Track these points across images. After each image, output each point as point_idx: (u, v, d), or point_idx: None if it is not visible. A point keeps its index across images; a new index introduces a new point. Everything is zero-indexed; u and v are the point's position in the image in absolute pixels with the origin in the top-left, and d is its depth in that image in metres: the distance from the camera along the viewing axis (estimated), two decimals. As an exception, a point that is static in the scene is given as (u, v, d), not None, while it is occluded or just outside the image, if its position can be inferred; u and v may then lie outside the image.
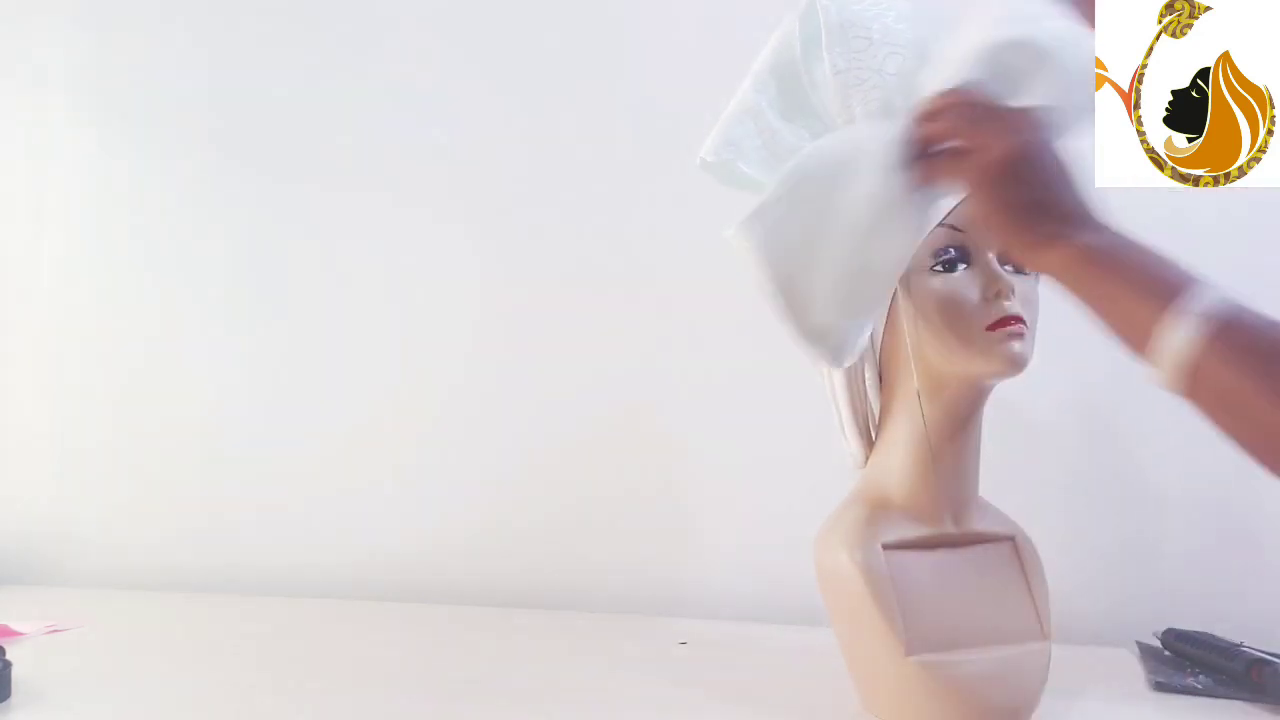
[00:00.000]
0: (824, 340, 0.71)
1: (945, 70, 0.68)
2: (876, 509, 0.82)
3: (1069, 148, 0.64)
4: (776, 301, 0.69)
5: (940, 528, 0.82)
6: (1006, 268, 0.77)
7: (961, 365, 0.76)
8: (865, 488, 0.85)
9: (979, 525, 0.84)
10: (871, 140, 0.68)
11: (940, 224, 0.74)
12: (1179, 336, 0.54)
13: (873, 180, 0.66)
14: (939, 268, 0.75)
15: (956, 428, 0.81)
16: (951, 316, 0.75)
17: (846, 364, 0.74)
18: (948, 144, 0.65)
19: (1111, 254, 0.59)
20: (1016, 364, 0.74)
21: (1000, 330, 0.74)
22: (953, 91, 0.66)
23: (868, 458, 0.86)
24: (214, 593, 1.27)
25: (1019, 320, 0.74)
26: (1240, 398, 0.53)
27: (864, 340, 0.74)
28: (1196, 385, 0.55)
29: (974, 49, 0.66)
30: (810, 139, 0.76)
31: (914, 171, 0.67)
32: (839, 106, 0.75)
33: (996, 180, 0.62)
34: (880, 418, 0.84)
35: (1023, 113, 0.64)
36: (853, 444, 0.86)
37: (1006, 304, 0.74)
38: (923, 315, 0.76)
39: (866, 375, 0.83)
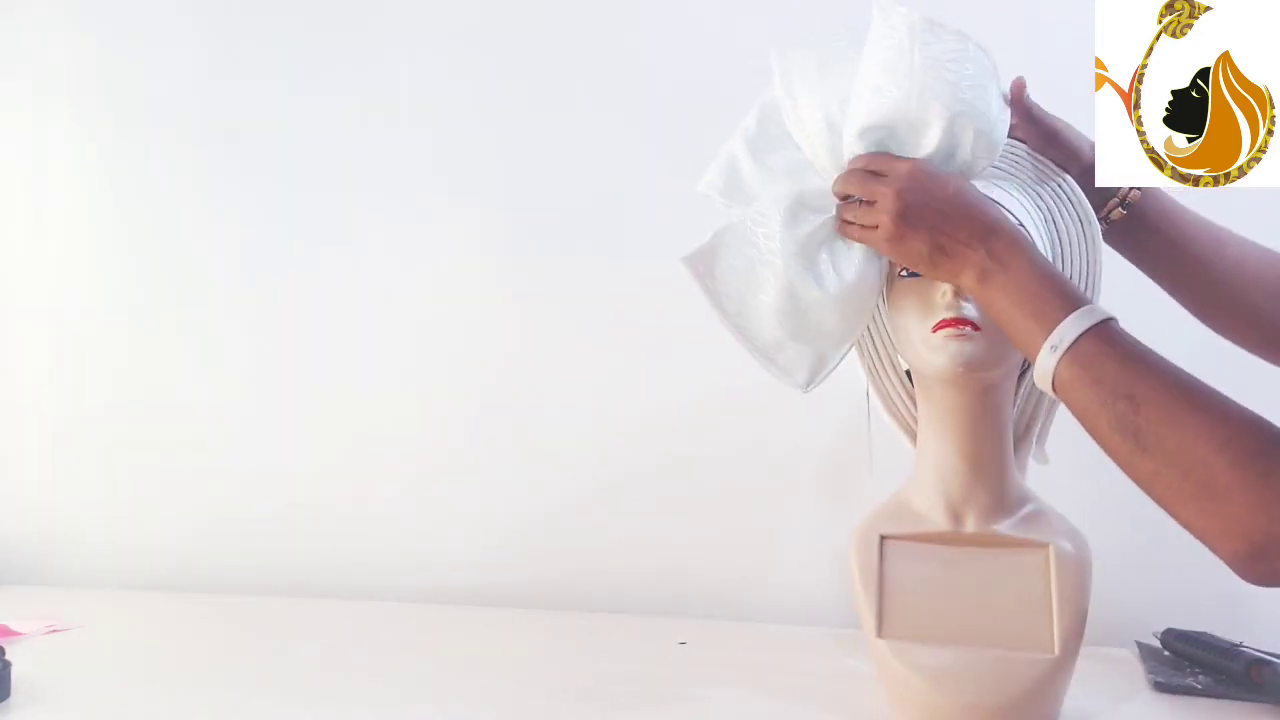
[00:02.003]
0: (774, 359, 0.80)
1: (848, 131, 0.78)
2: (897, 505, 0.87)
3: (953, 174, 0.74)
4: (726, 323, 0.80)
5: (941, 525, 0.85)
6: None
7: (923, 366, 0.81)
8: (904, 484, 0.89)
9: (1005, 528, 0.84)
10: (784, 198, 0.80)
11: None
12: (1045, 363, 0.66)
13: (784, 232, 0.78)
14: (904, 273, 0.80)
15: (954, 426, 0.83)
16: (908, 318, 0.81)
17: (807, 386, 0.81)
18: (850, 203, 0.78)
19: (1000, 280, 0.70)
20: (958, 362, 0.78)
21: (941, 331, 0.78)
22: (851, 161, 0.78)
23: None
24: (214, 593, 1.27)
25: (964, 322, 0.77)
26: (1088, 418, 0.64)
27: (830, 365, 0.81)
28: (1062, 398, 0.66)
29: (861, 118, 0.76)
30: (790, 166, 0.85)
31: (838, 226, 0.79)
32: (801, 134, 0.82)
33: (895, 248, 0.74)
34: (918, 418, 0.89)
35: (905, 169, 0.74)
36: (905, 444, 0.91)
37: (956, 304, 0.78)
38: (891, 317, 0.83)
39: (894, 378, 0.88)
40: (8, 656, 0.87)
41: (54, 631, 1.08)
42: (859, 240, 0.78)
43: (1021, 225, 0.78)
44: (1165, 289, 0.86)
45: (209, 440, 1.34)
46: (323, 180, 1.32)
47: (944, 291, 0.78)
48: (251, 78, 1.34)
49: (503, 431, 1.28)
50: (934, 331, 0.78)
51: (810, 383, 0.81)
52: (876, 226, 0.75)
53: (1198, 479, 0.59)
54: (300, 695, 0.89)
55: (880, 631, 0.82)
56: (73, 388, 1.36)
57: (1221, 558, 0.60)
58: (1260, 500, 0.57)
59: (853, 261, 0.79)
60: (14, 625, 1.08)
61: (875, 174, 0.75)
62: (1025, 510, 0.86)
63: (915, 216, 0.72)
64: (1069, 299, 0.67)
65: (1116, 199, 0.82)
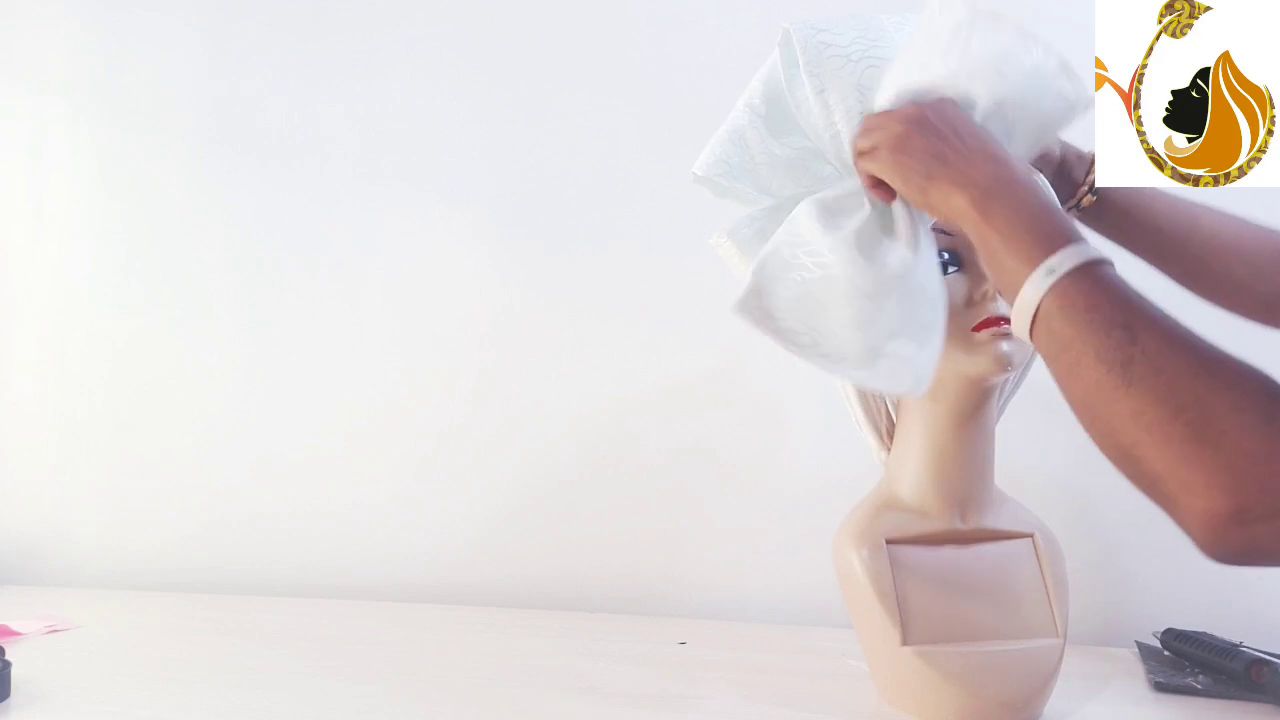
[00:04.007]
0: (875, 372, 0.71)
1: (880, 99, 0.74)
2: (886, 506, 0.86)
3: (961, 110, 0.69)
4: (807, 358, 0.71)
5: (947, 524, 0.85)
6: None
7: (953, 366, 0.79)
8: (880, 485, 0.88)
9: (994, 523, 0.86)
10: (810, 209, 0.74)
11: (932, 227, 0.77)
12: (1034, 287, 0.59)
13: (832, 238, 0.72)
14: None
15: (961, 426, 0.83)
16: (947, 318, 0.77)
17: (921, 384, 0.70)
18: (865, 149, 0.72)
19: (1000, 202, 0.63)
20: (1002, 364, 0.77)
21: (985, 330, 0.77)
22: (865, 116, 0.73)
23: (888, 455, 0.89)
24: (214, 593, 1.27)
25: (1005, 320, 0.76)
26: (1070, 349, 0.57)
27: (935, 350, 0.72)
28: (1037, 332, 0.60)
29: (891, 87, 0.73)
30: (795, 155, 0.81)
31: (861, 180, 0.73)
32: (824, 124, 0.77)
33: (894, 158, 0.68)
34: (897, 417, 0.86)
35: (912, 105, 0.70)
36: (870, 442, 0.89)
37: (993, 305, 0.77)
38: None
39: None
40: (8, 656, 0.87)
41: (54, 631, 1.08)
42: (868, 172, 0.72)
43: None
44: (1150, 264, 0.85)
45: (209, 440, 1.34)
46: (324, 181, 1.32)
47: (985, 290, 0.77)
48: (252, 76, 1.34)
49: (503, 431, 1.28)
50: (975, 331, 0.77)
51: (923, 379, 0.70)
52: (881, 143, 0.70)
53: (1190, 420, 0.52)
54: (301, 695, 0.89)
55: (906, 639, 0.80)
56: (73, 388, 1.36)
57: (1189, 517, 0.53)
58: (1261, 452, 0.50)
59: (902, 240, 0.73)
60: (14, 625, 1.08)
61: (883, 114, 0.72)
62: (1003, 503, 0.88)
63: (922, 127, 0.67)
64: (1073, 234, 0.61)
65: (1085, 185, 0.82)
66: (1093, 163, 0.82)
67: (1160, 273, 0.85)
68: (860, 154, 0.73)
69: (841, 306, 0.71)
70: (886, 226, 0.73)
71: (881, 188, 0.72)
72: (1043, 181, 0.78)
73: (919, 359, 0.70)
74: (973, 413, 0.83)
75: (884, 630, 0.81)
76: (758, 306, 0.72)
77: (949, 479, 0.84)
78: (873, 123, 0.72)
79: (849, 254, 0.71)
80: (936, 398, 0.82)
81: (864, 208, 0.73)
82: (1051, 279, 0.59)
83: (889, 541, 0.84)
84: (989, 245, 0.63)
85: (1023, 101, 0.69)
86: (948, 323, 0.76)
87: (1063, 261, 0.59)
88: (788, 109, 0.80)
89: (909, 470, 0.85)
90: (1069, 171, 0.84)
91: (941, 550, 0.84)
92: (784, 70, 0.80)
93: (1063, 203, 0.82)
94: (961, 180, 0.65)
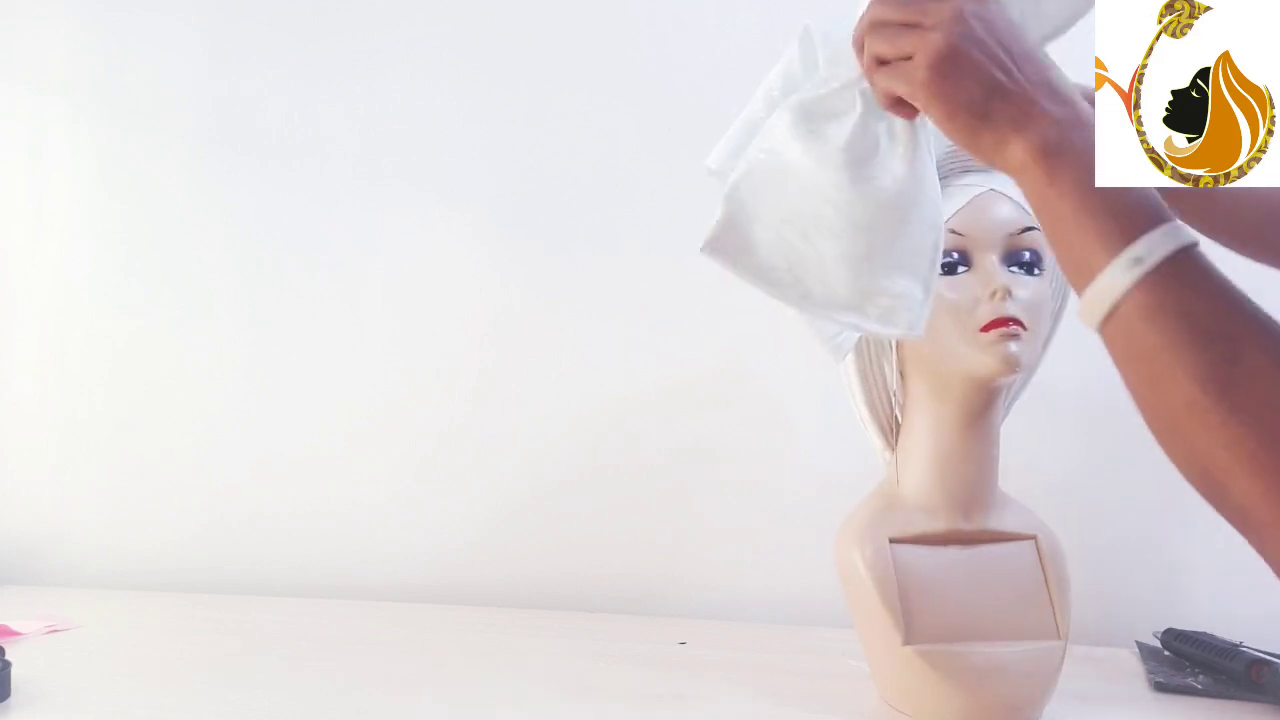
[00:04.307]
0: (866, 313, 0.62)
1: None
2: (889, 505, 0.86)
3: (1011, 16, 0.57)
4: (789, 299, 0.64)
5: (951, 524, 0.85)
6: (1012, 269, 0.79)
7: (960, 365, 0.79)
8: (883, 484, 0.88)
9: (998, 524, 0.86)
10: (787, 113, 0.64)
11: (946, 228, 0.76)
12: (1115, 279, 0.49)
13: (817, 146, 0.62)
14: (939, 271, 0.74)
15: (967, 426, 0.83)
16: (949, 319, 0.78)
17: (919, 330, 0.63)
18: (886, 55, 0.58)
19: (1073, 155, 0.52)
20: (1010, 365, 0.76)
21: (993, 331, 0.76)
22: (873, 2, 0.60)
23: (893, 454, 0.88)
24: (214, 593, 1.27)
25: (1014, 321, 0.76)
26: (1159, 361, 0.49)
27: (933, 285, 0.64)
28: (1115, 334, 0.50)
29: None
30: None
31: (877, 98, 0.61)
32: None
33: (936, 83, 0.55)
34: (902, 416, 0.86)
35: (951, 9, 0.56)
36: (875, 440, 0.89)
37: (1002, 305, 0.76)
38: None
39: (886, 373, 0.86)
40: (8, 656, 0.87)
41: (54, 631, 1.08)
42: (891, 87, 0.59)
43: None
44: (1198, 229, 0.80)
45: (209, 440, 1.34)
46: (324, 181, 1.32)
47: (994, 290, 0.76)
48: (252, 76, 1.34)
49: (503, 431, 1.28)
50: (983, 331, 0.76)
51: (921, 318, 0.63)
52: (910, 57, 0.56)
53: None
54: (301, 695, 0.89)
55: (908, 639, 0.80)
56: (73, 388, 1.36)
57: (1274, 550, 0.49)
58: None
59: (900, 150, 0.62)
60: (14, 625, 1.08)
61: (910, 25, 0.57)
62: (1006, 504, 0.88)
63: (970, 40, 0.54)
64: (1161, 209, 0.51)
65: None
66: None
67: (1207, 238, 0.81)
68: (880, 62, 0.59)
69: (831, 238, 0.61)
70: (880, 130, 0.63)
71: (903, 106, 0.60)
72: None
73: (914, 294, 0.62)
74: (980, 413, 0.83)
75: (886, 630, 0.81)
76: (732, 242, 0.63)
77: (954, 479, 0.84)
78: (899, 14, 0.57)
79: (838, 175, 0.61)
80: (943, 398, 0.82)
81: (855, 108, 0.62)
82: (1138, 270, 0.49)
83: (893, 541, 0.83)
84: (1055, 213, 0.53)
85: None
86: (954, 322, 0.77)
87: (1152, 250, 0.49)
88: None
89: (914, 469, 0.85)
90: None
91: (945, 550, 0.84)
92: (802, 69, 0.76)
93: None
94: (1024, 123, 0.53)
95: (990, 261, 0.78)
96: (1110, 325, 0.50)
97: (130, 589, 1.28)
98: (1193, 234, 0.50)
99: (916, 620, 0.81)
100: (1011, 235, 0.80)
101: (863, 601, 0.83)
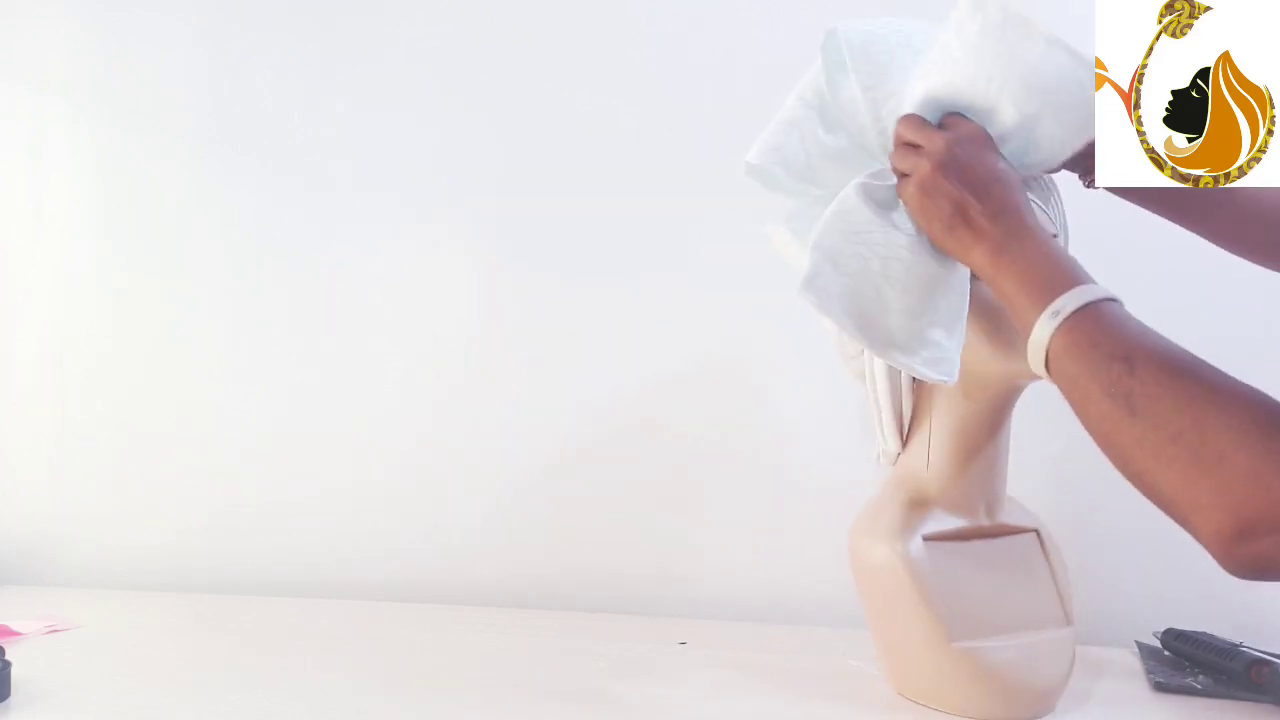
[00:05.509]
0: (917, 354, 0.75)
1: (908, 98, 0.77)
2: (915, 503, 0.87)
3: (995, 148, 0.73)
4: (861, 337, 0.76)
5: (975, 520, 0.87)
6: None
7: (1002, 366, 0.80)
8: (901, 483, 0.89)
9: (1007, 518, 0.89)
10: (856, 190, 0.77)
11: None
12: (1042, 330, 0.64)
13: (889, 219, 0.76)
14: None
15: (994, 425, 0.85)
16: (994, 321, 0.79)
17: (955, 377, 0.76)
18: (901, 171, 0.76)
19: (1011, 255, 0.68)
20: None
21: None
22: (901, 120, 0.76)
23: (902, 453, 0.90)
24: (214, 593, 1.27)
25: None
26: (1079, 387, 0.61)
27: (958, 353, 0.76)
28: (1052, 372, 0.64)
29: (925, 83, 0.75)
30: (848, 147, 0.82)
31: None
32: (870, 120, 0.79)
33: (919, 199, 0.73)
34: (912, 416, 0.87)
35: (948, 128, 0.74)
36: (891, 442, 0.90)
37: None
38: (969, 319, 0.79)
39: (904, 375, 0.87)
40: (8, 656, 0.87)
41: (54, 631, 1.08)
42: (897, 189, 0.76)
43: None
44: (1185, 227, 0.83)
45: (209, 440, 1.34)
46: (324, 181, 1.32)
47: None
48: (252, 77, 1.34)
49: (503, 430, 1.28)
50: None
51: (957, 366, 0.76)
52: (912, 173, 0.74)
53: (1189, 443, 0.55)
54: (301, 695, 0.89)
55: (953, 637, 0.81)
56: (72, 388, 1.36)
57: (1202, 537, 0.55)
58: (1257, 471, 0.52)
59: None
60: (14, 625, 1.08)
61: (916, 134, 0.75)
62: (1008, 499, 0.90)
63: (949, 171, 0.71)
64: (1078, 278, 0.65)
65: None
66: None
67: (1197, 235, 0.83)
68: (895, 170, 0.77)
69: (899, 295, 0.75)
70: None
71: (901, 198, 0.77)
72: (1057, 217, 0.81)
73: (952, 347, 0.76)
74: (1004, 410, 0.85)
75: (927, 628, 0.82)
76: (822, 286, 0.74)
77: (979, 475, 0.86)
78: (907, 137, 0.75)
79: (907, 248, 0.75)
80: (972, 395, 0.84)
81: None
82: (1057, 320, 0.63)
83: (926, 538, 0.84)
84: (1005, 294, 0.68)
85: (1047, 115, 0.71)
86: (1001, 326, 0.78)
87: (1066, 303, 0.63)
88: (832, 113, 0.82)
89: (937, 469, 0.86)
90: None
91: (968, 545, 0.86)
92: (826, 74, 0.80)
93: (1081, 178, 0.81)
94: (978, 236, 0.70)
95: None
96: (1050, 368, 0.64)
97: (130, 589, 1.28)
98: (1105, 291, 0.64)
99: (954, 618, 0.82)
100: None
101: (897, 600, 0.83)
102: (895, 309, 0.75)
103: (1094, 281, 0.65)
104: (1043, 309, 0.64)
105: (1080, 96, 0.69)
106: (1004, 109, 0.72)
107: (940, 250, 0.75)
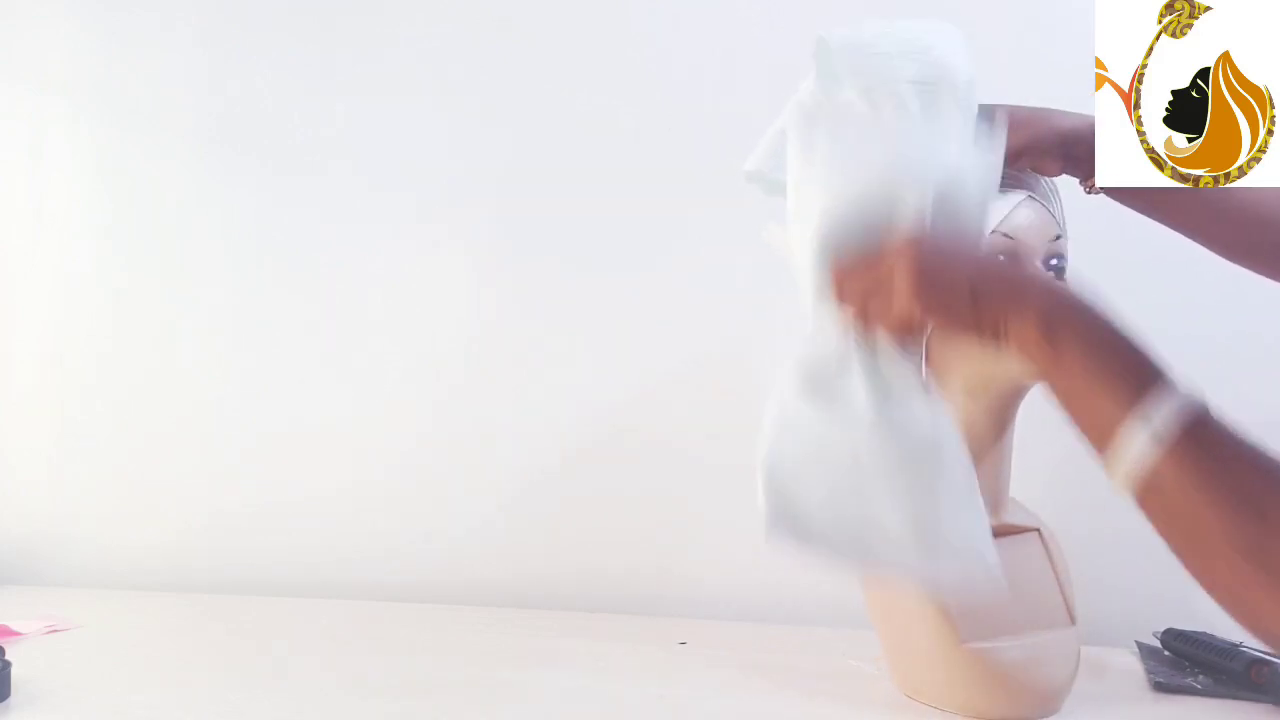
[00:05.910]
0: (939, 558, 0.64)
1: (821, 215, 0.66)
2: None
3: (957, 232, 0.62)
4: (857, 565, 0.70)
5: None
6: (1052, 261, 0.82)
7: (1006, 366, 0.79)
8: None
9: (1008, 518, 0.89)
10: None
11: (993, 231, 0.78)
12: (1135, 445, 0.52)
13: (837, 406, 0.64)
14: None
15: (999, 423, 0.86)
16: None
17: (1004, 584, 0.65)
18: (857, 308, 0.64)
19: (1068, 336, 0.55)
20: None
21: None
22: (833, 265, 0.64)
23: None
24: (214, 593, 1.27)
25: None
26: (1187, 521, 0.52)
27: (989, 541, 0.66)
28: (1143, 499, 0.54)
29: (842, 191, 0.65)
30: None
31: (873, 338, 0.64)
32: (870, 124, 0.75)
33: (924, 293, 0.59)
34: None
35: (895, 246, 0.61)
36: None
37: None
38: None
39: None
40: (8, 656, 0.87)
41: (54, 631, 1.08)
42: (871, 328, 0.63)
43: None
44: (1186, 235, 0.81)
45: (208, 440, 1.33)
46: (325, 182, 1.32)
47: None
48: (253, 77, 1.34)
49: (503, 430, 1.28)
50: None
51: (995, 564, 0.64)
52: (891, 300, 0.60)
53: None
54: (301, 695, 0.89)
55: (964, 637, 0.82)
56: (72, 388, 1.36)
57: None
58: None
59: (908, 394, 0.64)
60: (14, 625, 1.08)
61: (858, 267, 0.63)
62: (1010, 500, 0.91)
63: (933, 252, 0.60)
64: (1153, 365, 0.54)
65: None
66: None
67: (1198, 244, 0.82)
68: (849, 297, 0.64)
69: (883, 491, 0.62)
70: (887, 373, 0.64)
71: (901, 331, 0.63)
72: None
73: (979, 535, 0.64)
74: (1010, 409, 0.85)
75: (937, 629, 0.82)
76: (789, 525, 0.64)
77: (986, 476, 0.85)
78: (860, 267, 0.62)
79: (864, 420, 0.62)
80: (977, 395, 0.84)
81: (851, 368, 0.64)
82: (1157, 442, 0.52)
83: None
84: (1065, 379, 0.56)
85: (955, 192, 0.63)
86: None
87: (1160, 409, 0.52)
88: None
89: None
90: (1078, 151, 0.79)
91: None
92: (819, 82, 0.78)
93: (1081, 183, 0.81)
94: (1015, 297, 0.57)
95: (1036, 265, 0.81)
96: (1142, 493, 0.53)
97: (130, 589, 1.28)
98: (1193, 388, 0.52)
99: (963, 617, 0.82)
100: (1049, 241, 0.82)
101: (904, 600, 0.84)
102: (886, 509, 0.62)
103: (1173, 374, 0.54)
104: (1125, 411, 0.52)
105: (981, 163, 0.63)
106: (907, 195, 0.62)
107: (978, 340, 0.59)
